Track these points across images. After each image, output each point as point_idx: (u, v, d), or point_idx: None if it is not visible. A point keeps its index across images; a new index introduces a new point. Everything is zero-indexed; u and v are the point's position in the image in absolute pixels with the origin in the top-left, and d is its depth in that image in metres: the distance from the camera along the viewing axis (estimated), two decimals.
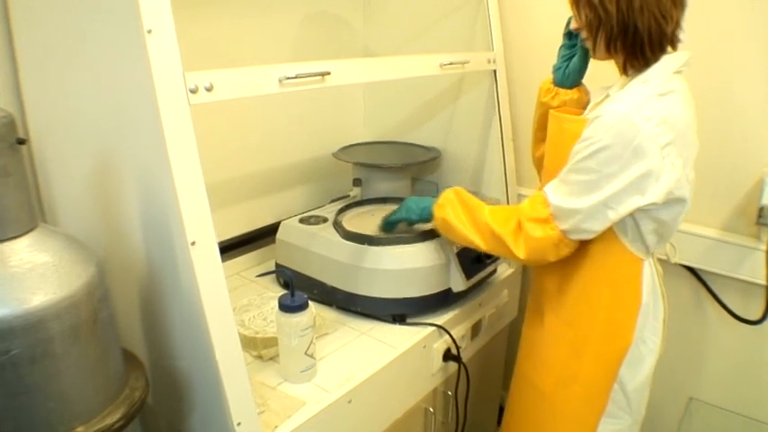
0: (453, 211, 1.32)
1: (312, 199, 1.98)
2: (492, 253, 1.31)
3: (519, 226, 1.20)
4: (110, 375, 0.95)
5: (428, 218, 1.41)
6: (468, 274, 1.54)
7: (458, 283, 1.51)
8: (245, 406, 0.99)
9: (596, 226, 1.13)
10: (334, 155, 1.88)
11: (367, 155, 1.93)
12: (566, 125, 1.24)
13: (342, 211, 1.70)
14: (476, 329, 1.64)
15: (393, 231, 1.53)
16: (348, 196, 1.87)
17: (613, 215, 1.11)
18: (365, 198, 1.82)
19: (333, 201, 1.85)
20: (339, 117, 2.10)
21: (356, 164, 1.86)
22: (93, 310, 0.89)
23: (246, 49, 1.67)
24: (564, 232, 1.16)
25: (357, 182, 1.87)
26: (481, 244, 1.27)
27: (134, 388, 0.98)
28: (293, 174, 1.94)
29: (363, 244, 1.47)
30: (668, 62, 1.12)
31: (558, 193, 1.16)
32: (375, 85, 2.11)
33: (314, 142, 1.98)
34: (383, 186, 1.83)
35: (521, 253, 1.20)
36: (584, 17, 1.16)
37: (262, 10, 1.70)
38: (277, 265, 1.67)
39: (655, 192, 1.08)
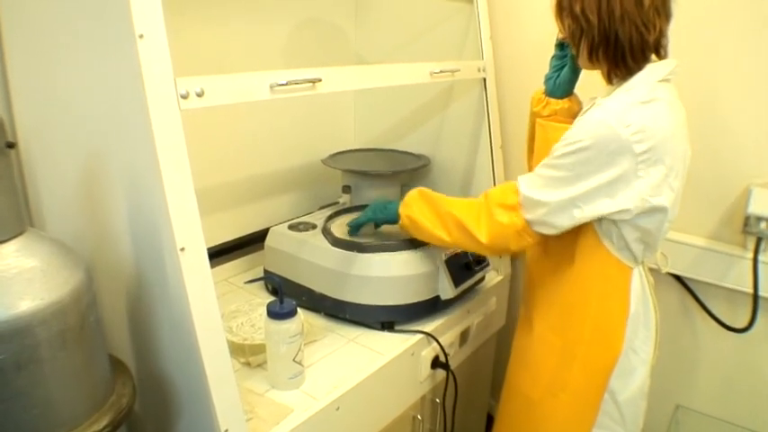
0: (418, 207, 1.35)
1: (301, 205, 1.98)
2: (456, 245, 1.33)
3: (484, 210, 1.23)
4: (96, 382, 0.94)
5: (394, 218, 1.44)
6: (457, 281, 1.54)
7: (446, 290, 1.51)
8: (232, 413, 0.99)
9: (561, 221, 1.15)
10: (324, 161, 1.88)
11: (356, 162, 1.93)
12: (551, 134, 1.26)
13: (331, 217, 1.71)
14: (464, 337, 1.64)
15: (358, 234, 1.56)
16: (337, 203, 1.86)
17: (579, 214, 1.13)
18: (354, 205, 1.82)
19: (322, 207, 1.85)
20: (329, 124, 2.10)
21: (345, 171, 1.86)
22: (80, 316, 0.88)
23: (238, 55, 1.66)
24: (528, 222, 1.18)
25: (346, 189, 1.87)
26: (445, 236, 1.30)
27: (121, 394, 0.97)
28: (282, 180, 1.94)
29: (352, 251, 1.47)
30: (653, 70, 1.13)
31: (530, 183, 1.18)
32: (365, 93, 2.11)
33: (304, 149, 1.98)
34: (372, 193, 1.83)
35: (483, 236, 1.22)
36: (566, 27, 1.18)
37: (254, 17, 1.70)
38: (265, 271, 1.65)
39: (625, 197, 1.10)
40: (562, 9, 1.17)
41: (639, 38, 1.10)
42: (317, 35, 1.94)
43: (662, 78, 1.12)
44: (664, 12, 1.12)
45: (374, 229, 1.58)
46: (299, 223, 1.67)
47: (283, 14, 1.79)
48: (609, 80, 1.19)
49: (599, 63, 1.17)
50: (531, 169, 1.45)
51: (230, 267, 1.77)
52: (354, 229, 1.55)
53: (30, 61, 1.13)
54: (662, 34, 1.13)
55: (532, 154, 1.44)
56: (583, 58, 1.19)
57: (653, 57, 1.15)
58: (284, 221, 1.69)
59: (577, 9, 1.12)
